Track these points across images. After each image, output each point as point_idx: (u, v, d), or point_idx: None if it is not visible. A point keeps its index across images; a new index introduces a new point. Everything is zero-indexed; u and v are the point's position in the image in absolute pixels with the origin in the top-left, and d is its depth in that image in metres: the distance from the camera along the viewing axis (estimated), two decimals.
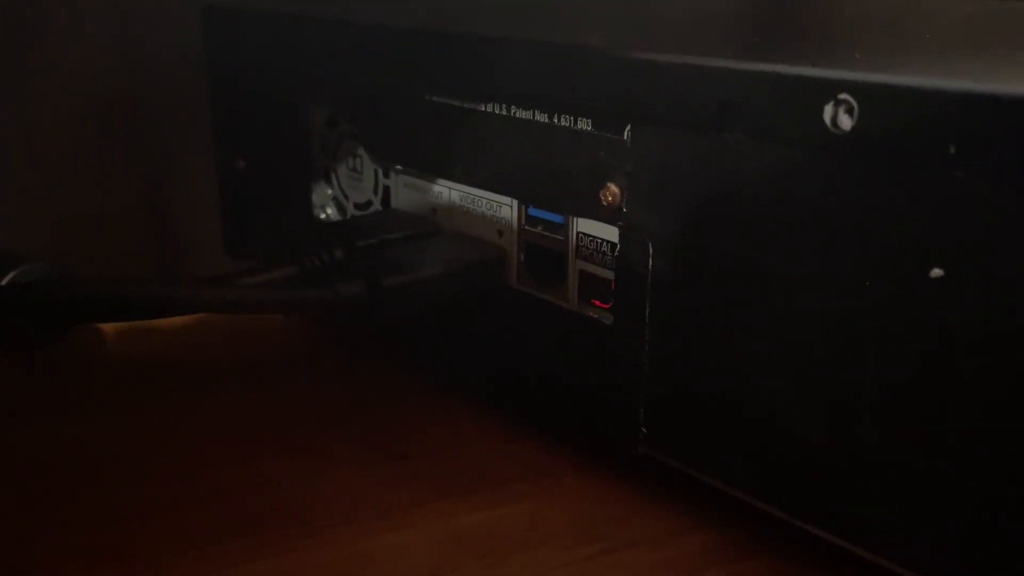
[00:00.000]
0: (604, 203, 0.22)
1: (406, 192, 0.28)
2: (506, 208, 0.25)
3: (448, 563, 0.21)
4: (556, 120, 0.22)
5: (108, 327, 0.32)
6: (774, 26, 0.32)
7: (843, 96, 0.17)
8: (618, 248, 0.22)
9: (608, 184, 0.21)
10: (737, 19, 0.33)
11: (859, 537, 0.19)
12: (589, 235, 0.23)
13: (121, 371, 0.30)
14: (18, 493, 0.23)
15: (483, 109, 0.24)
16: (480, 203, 0.25)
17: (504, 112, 0.24)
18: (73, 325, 0.27)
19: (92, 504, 0.22)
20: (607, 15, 0.33)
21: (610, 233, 0.22)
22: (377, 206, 0.29)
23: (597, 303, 0.23)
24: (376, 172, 0.29)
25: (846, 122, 0.17)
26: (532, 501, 0.23)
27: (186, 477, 0.24)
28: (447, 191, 0.26)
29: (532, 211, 0.24)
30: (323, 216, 0.31)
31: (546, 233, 0.24)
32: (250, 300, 0.22)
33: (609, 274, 0.22)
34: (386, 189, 0.29)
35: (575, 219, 0.23)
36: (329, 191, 0.31)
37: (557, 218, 0.24)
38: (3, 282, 0.25)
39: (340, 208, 0.31)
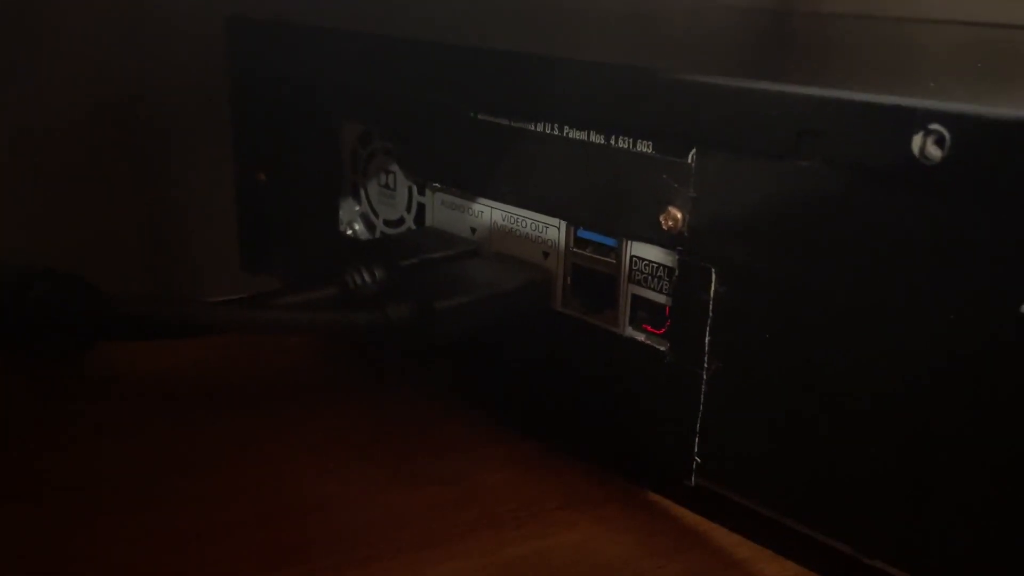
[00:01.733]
0: (664, 227, 0.21)
1: (443, 210, 0.27)
2: (552, 229, 0.24)
3: None
4: (614, 142, 0.22)
5: (124, 345, 0.31)
6: (800, 49, 0.32)
7: (934, 126, 0.16)
8: (677, 273, 0.21)
9: (669, 208, 0.21)
10: (759, 44, 0.33)
11: (928, 573, 0.18)
12: (644, 259, 0.22)
13: (149, 389, 0.29)
14: (45, 519, 0.22)
15: (534, 129, 0.23)
16: (524, 223, 0.25)
17: (557, 132, 0.23)
18: (95, 343, 0.26)
19: (125, 532, 0.22)
20: (632, 35, 0.33)
21: (666, 257, 0.22)
22: (410, 224, 0.28)
23: (649, 328, 0.23)
24: (410, 189, 0.28)
25: (935, 153, 0.17)
26: (580, 531, 0.22)
27: (223, 502, 0.23)
28: (488, 210, 0.26)
29: (581, 233, 0.24)
30: (350, 232, 0.30)
31: (596, 256, 0.23)
32: (293, 322, 0.22)
33: (664, 299, 0.22)
34: (420, 206, 0.28)
35: (629, 242, 0.23)
36: (357, 207, 0.30)
37: (608, 240, 0.23)
38: (28, 295, 0.24)
39: (369, 225, 0.30)
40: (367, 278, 0.24)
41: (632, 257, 0.23)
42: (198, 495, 0.23)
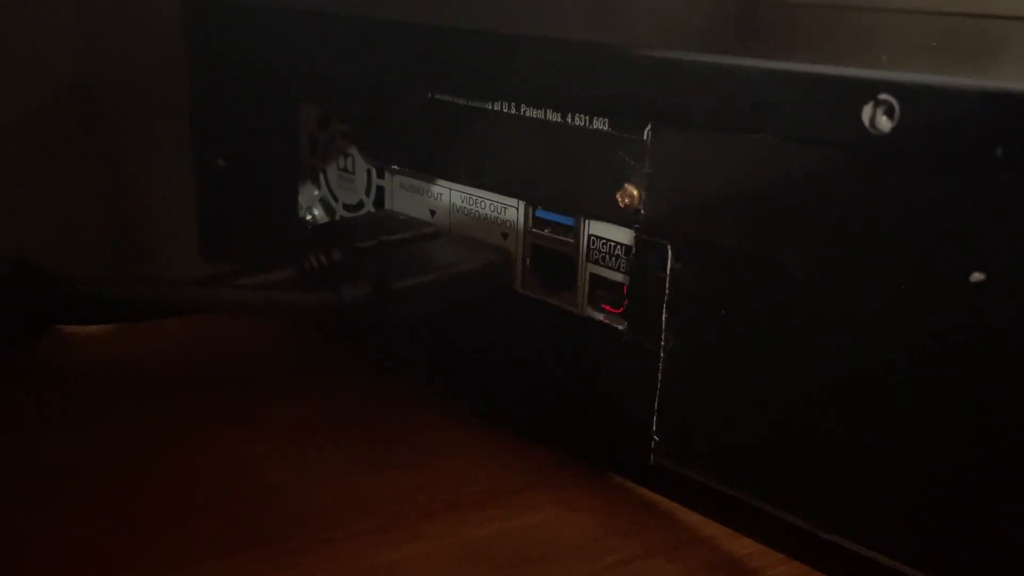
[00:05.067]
0: (621, 205, 0.21)
1: (402, 193, 0.27)
2: (512, 210, 0.24)
3: None
4: (570, 120, 0.22)
5: (78, 332, 0.30)
6: (767, 32, 0.32)
7: (883, 96, 0.16)
8: (634, 251, 0.21)
9: (625, 185, 0.21)
10: (724, 25, 0.33)
11: (888, 549, 0.18)
12: (601, 238, 0.22)
13: (105, 376, 0.28)
14: (4, 508, 0.22)
15: (491, 108, 0.23)
16: (484, 205, 0.25)
17: (514, 111, 0.23)
18: (48, 328, 0.25)
19: (82, 519, 0.21)
20: (589, 13, 0.33)
21: (624, 236, 0.22)
22: (370, 207, 0.28)
23: (608, 308, 0.23)
24: (369, 172, 0.28)
25: (885, 123, 0.17)
26: (542, 512, 0.22)
27: (179, 488, 0.23)
28: (447, 192, 0.25)
29: (540, 213, 0.24)
30: (309, 218, 0.30)
31: (555, 235, 0.23)
32: (248, 301, 0.21)
33: (621, 278, 0.22)
34: (379, 190, 0.28)
35: (587, 221, 0.22)
36: (316, 192, 0.30)
37: (567, 220, 0.23)
38: None
39: (328, 210, 0.29)
40: (324, 260, 0.24)
41: (590, 236, 0.23)
42: (157, 479, 0.23)
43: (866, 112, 0.17)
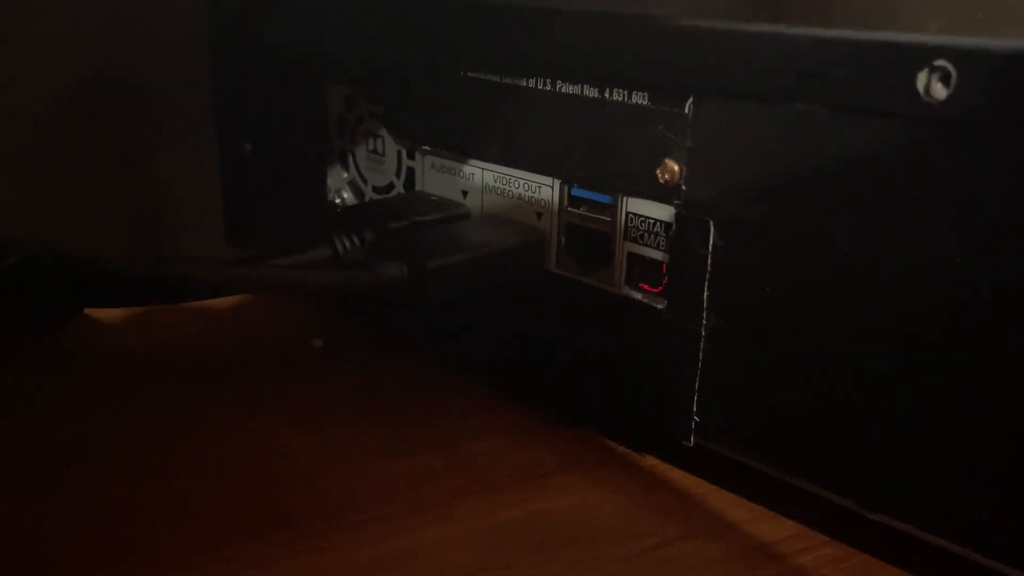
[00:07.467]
0: (661, 181, 0.21)
1: (433, 174, 0.26)
2: (546, 189, 0.24)
3: (497, 559, 0.20)
4: (608, 95, 0.21)
5: (109, 317, 0.30)
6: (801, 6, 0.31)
7: (939, 62, 0.16)
8: (674, 228, 0.21)
9: (665, 161, 0.21)
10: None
11: (938, 527, 0.18)
12: (640, 215, 0.22)
13: (132, 361, 0.28)
14: (39, 490, 0.21)
15: (526, 85, 0.23)
16: (517, 184, 0.24)
17: (549, 88, 0.23)
18: (79, 313, 0.25)
19: (117, 501, 0.21)
20: None
21: (663, 212, 0.21)
22: (400, 189, 0.28)
23: (646, 287, 0.22)
24: (399, 154, 0.28)
25: (940, 91, 0.16)
26: (577, 494, 0.22)
27: (211, 471, 0.22)
28: (479, 172, 0.25)
29: (576, 191, 0.23)
30: (338, 201, 0.30)
31: (591, 214, 0.23)
32: (283, 281, 0.21)
33: (660, 256, 0.22)
34: (410, 171, 0.27)
35: (625, 198, 0.22)
36: (345, 175, 0.29)
37: (603, 198, 0.23)
38: (4, 265, 0.23)
39: (358, 192, 0.29)
40: (356, 241, 0.23)
41: (628, 214, 0.22)
42: (184, 463, 0.23)
43: (920, 79, 0.16)
